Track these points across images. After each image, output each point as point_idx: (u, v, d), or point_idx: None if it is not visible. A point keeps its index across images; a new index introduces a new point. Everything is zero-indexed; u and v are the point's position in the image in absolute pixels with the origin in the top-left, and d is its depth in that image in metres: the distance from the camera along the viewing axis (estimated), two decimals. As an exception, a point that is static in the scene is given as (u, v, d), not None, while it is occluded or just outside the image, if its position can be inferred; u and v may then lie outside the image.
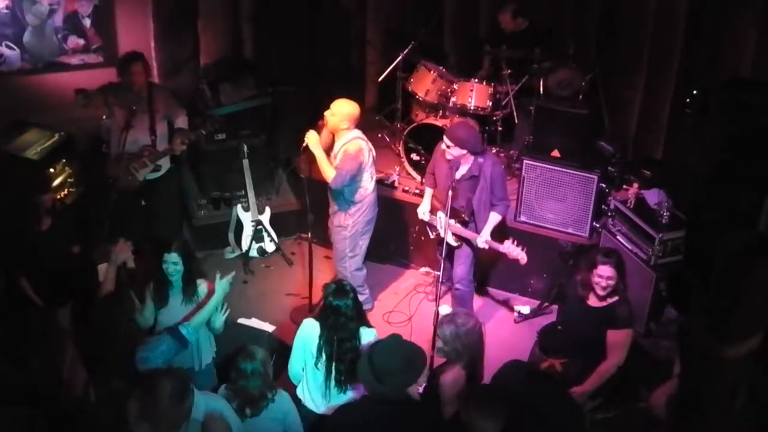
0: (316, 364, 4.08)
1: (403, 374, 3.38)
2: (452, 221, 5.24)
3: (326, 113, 5.32)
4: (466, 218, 5.29)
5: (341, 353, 3.99)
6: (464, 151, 5.12)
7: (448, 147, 5.13)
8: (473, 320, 3.95)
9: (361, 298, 5.82)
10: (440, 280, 5.17)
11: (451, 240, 5.30)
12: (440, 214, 5.32)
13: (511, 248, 5.06)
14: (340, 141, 5.37)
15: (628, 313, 4.49)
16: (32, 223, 4.93)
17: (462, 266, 5.49)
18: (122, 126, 5.72)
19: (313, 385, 4.15)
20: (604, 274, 4.42)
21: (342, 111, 5.29)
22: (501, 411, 3.36)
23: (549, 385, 4.00)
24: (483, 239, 5.19)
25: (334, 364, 4.01)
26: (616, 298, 4.51)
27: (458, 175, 5.21)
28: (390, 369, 3.34)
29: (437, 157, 5.40)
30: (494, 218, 5.25)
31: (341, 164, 5.29)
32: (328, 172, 5.28)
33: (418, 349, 3.51)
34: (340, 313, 3.98)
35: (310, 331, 4.12)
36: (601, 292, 4.49)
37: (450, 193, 5.05)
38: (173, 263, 4.37)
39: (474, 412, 3.38)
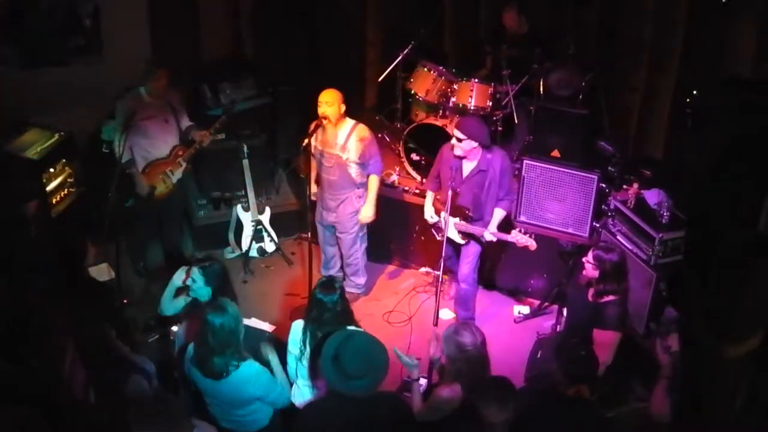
0: (300, 359, 4.08)
1: (371, 377, 3.34)
2: (457, 219, 5.25)
3: (322, 109, 5.29)
4: (471, 215, 5.29)
5: None
6: (475, 144, 5.11)
7: (459, 141, 5.11)
8: (477, 338, 3.85)
9: (361, 280, 5.89)
10: (440, 280, 5.17)
11: (457, 238, 5.31)
12: (443, 214, 5.33)
13: (518, 237, 5.07)
14: (343, 130, 5.41)
15: (618, 316, 4.46)
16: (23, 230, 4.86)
17: (468, 265, 5.50)
18: (154, 135, 5.66)
19: (302, 381, 4.17)
20: (589, 258, 4.54)
21: (334, 96, 5.30)
22: (508, 399, 3.38)
23: (585, 412, 3.74)
24: (490, 232, 5.20)
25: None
26: (612, 297, 4.50)
27: (466, 172, 5.22)
28: (358, 372, 3.29)
29: (442, 158, 5.39)
30: (500, 213, 5.28)
31: (371, 154, 5.44)
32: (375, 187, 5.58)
33: (381, 347, 3.46)
34: (324, 308, 3.98)
35: (297, 329, 4.16)
36: (584, 279, 4.60)
37: (450, 193, 5.06)
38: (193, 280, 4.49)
39: (480, 401, 3.39)
